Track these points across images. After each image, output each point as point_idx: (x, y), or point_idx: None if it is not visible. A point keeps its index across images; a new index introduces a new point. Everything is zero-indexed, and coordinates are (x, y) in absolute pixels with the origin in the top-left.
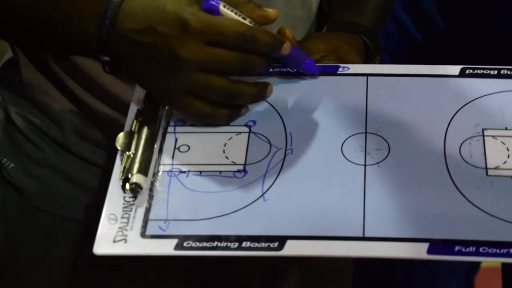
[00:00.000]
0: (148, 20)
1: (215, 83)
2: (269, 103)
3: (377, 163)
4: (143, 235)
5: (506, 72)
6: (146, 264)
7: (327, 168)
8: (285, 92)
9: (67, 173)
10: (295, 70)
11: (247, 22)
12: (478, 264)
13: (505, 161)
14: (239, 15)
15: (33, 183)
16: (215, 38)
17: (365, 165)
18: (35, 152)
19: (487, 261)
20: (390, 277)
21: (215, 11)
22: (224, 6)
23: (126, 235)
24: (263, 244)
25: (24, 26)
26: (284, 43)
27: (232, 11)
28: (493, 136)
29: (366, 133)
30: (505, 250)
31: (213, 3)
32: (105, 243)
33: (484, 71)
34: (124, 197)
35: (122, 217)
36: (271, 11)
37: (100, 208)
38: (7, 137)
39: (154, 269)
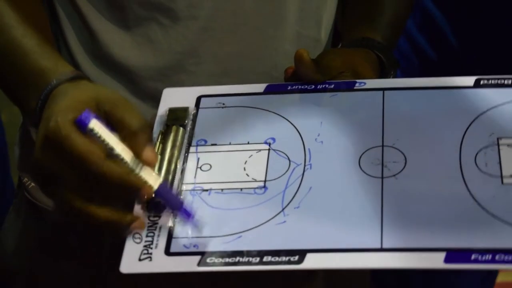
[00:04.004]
0: (47, 111)
1: (60, 196)
2: (288, 120)
3: (394, 175)
4: (167, 252)
5: None
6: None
7: (345, 182)
8: (303, 109)
9: None
10: (313, 87)
11: (116, 151)
12: (493, 278)
13: None
14: (106, 143)
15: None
16: (64, 156)
17: (382, 177)
18: None
19: (503, 269)
20: None
21: (82, 129)
22: (92, 130)
23: (151, 253)
24: (283, 258)
25: None
26: (143, 189)
27: (99, 136)
28: (508, 145)
29: (383, 146)
30: None
31: (83, 119)
32: (131, 262)
33: (499, 81)
34: (149, 216)
35: (147, 236)
36: (148, 156)
37: None
38: (28, 157)
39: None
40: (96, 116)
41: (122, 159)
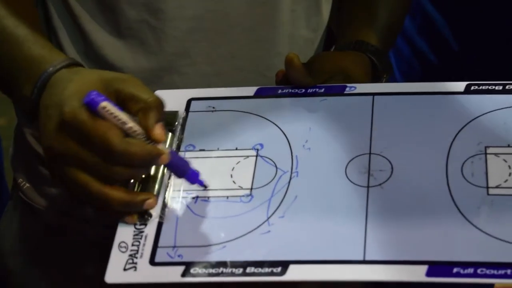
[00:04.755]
0: (54, 97)
1: (80, 181)
2: (277, 126)
3: (380, 184)
4: (152, 262)
5: (511, 87)
6: None
7: (331, 191)
8: (292, 114)
9: None
10: (303, 91)
11: (129, 125)
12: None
13: (507, 180)
14: (118, 120)
15: (48, 202)
16: (85, 140)
17: (368, 186)
18: None
19: (485, 283)
20: None
21: (93, 109)
22: (104, 108)
23: (136, 263)
24: (266, 270)
25: None
26: (162, 155)
27: (111, 114)
28: (495, 154)
29: (370, 154)
30: (503, 271)
31: (94, 99)
32: (116, 271)
33: (489, 87)
34: (135, 224)
35: (133, 245)
36: (157, 134)
37: (115, 225)
38: (23, 158)
39: None
40: (103, 96)
41: (135, 131)
